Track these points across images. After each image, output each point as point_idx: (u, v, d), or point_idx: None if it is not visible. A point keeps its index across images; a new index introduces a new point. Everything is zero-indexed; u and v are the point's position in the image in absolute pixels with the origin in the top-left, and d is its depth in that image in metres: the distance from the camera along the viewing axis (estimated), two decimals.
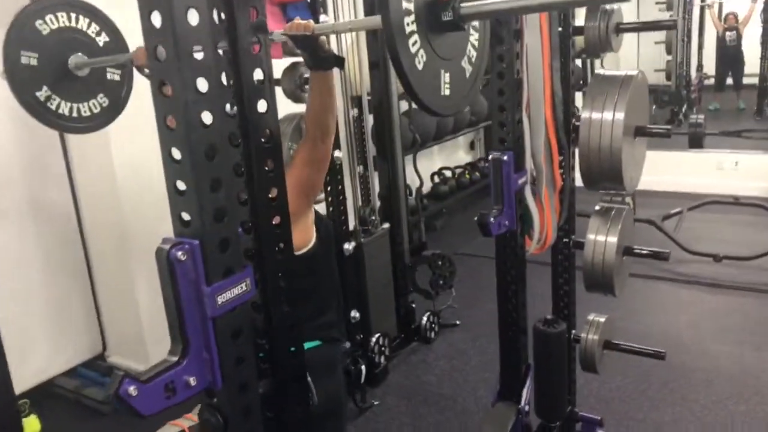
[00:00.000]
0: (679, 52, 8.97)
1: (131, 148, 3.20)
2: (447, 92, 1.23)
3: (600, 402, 3.14)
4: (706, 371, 3.38)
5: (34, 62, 2.07)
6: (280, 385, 1.22)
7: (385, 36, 1.09)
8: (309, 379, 1.36)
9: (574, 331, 2.47)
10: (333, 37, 3.50)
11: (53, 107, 2.14)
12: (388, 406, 3.31)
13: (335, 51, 3.22)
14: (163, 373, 0.95)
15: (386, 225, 3.67)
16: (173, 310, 0.96)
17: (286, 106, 1.77)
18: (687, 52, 9.19)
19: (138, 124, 2.20)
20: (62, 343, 3.64)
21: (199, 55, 0.98)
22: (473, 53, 1.34)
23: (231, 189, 1.04)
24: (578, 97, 2.50)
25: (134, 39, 2.07)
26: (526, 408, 2.21)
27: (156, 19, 0.95)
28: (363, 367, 3.24)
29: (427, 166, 6.08)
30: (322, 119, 1.78)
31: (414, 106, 4.75)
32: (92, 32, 2.23)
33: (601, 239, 2.11)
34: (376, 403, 3.30)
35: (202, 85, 0.99)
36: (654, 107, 8.71)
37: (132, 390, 0.91)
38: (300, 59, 1.77)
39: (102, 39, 2.25)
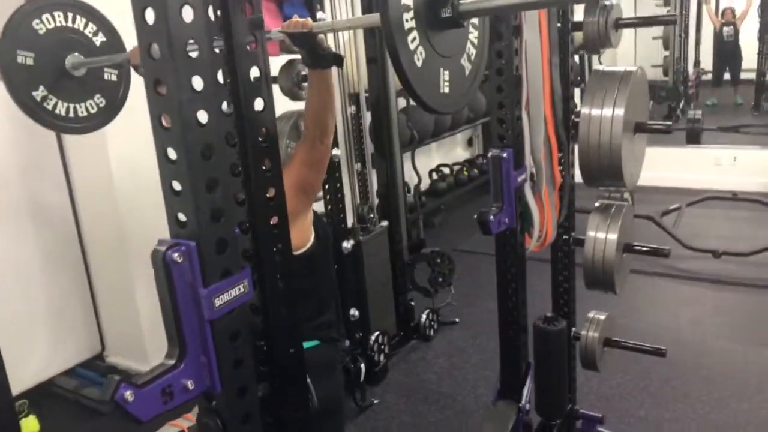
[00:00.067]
0: (676, 48, 8.96)
1: (128, 147, 3.18)
2: (446, 90, 1.22)
3: (600, 399, 3.13)
4: (707, 368, 3.37)
5: (30, 62, 2.04)
6: (280, 388, 1.20)
7: (383, 33, 1.07)
8: (309, 381, 1.34)
9: (574, 329, 2.46)
10: (330, 34, 3.48)
11: (50, 107, 2.12)
12: (388, 404, 3.29)
13: (333, 48, 3.20)
14: (159, 377, 0.93)
15: (385, 223, 3.65)
16: (170, 313, 0.95)
17: (283, 104, 1.75)
18: (684, 47, 9.18)
19: (135, 124, 2.19)
20: (61, 344, 3.62)
21: (194, 53, 0.96)
22: (473, 51, 1.32)
23: (228, 189, 1.03)
24: (576, 93, 2.48)
25: (132, 39, 2.05)
26: (527, 406, 2.20)
27: (150, 16, 0.93)
28: (362, 366, 3.23)
29: (425, 163, 6.07)
30: (322, 118, 1.77)
31: (412, 103, 4.75)
32: (89, 32, 2.21)
33: (601, 236, 2.10)
34: (375, 401, 3.29)
35: (198, 83, 0.97)
36: (651, 103, 8.69)
37: (128, 395, 0.89)
38: (298, 56, 1.75)
39: (99, 39, 2.23)
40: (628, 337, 2.43)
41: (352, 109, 3.56)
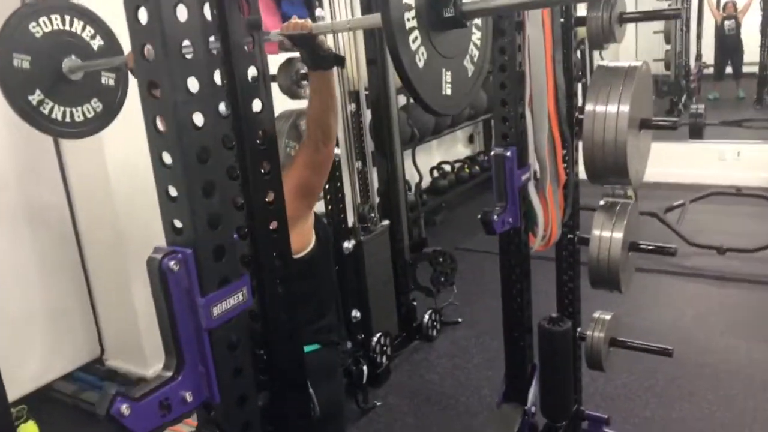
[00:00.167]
0: (678, 42, 8.92)
1: (125, 150, 3.15)
2: (448, 91, 1.19)
3: (606, 400, 3.10)
4: (713, 366, 3.33)
5: (26, 65, 2.01)
6: (281, 397, 1.17)
7: (384, 33, 1.04)
8: (311, 390, 1.31)
9: (579, 329, 2.43)
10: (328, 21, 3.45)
11: (46, 112, 2.09)
12: (391, 406, 3.26)
13: (333, 47, 3.16)
14: (156, 389, 0.90)
15: (386, 222, 3.62)
16: (166, 323, 0.92)
17: (281, 102, 1.71)
18: (686, 41, 9.14)
19: (131, 126, 2.15)
20: (59, 348, 3.59)
21: (189, 54, 0.93)
22: (475, 52, 1.29)
23: (225, 193, 0.99)
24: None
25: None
26: (533, 409, 2.17)
27: (143, 15, 0.89)
28: (365, 368, 3.20)
29: (426, 161, 6.03)
30: (324, 120, 1.73)
31: (412, 100, 4.71)
32: (86, 35, 2.18)
33: (606, 235, 2.07)
34: (378, 403, 3.26)
35: (193, 84, 0.94)
36: (653, 97, 8.66)
37: (124, 409, 0.87)
38: (297, 54, 1.71)
39: (96, 42, 2.20)
40: (633, 335, 2.40)
41: (352, 107, 3.53)
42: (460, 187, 6.27)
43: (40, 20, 2.03)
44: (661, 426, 2.91)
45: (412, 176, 4.75)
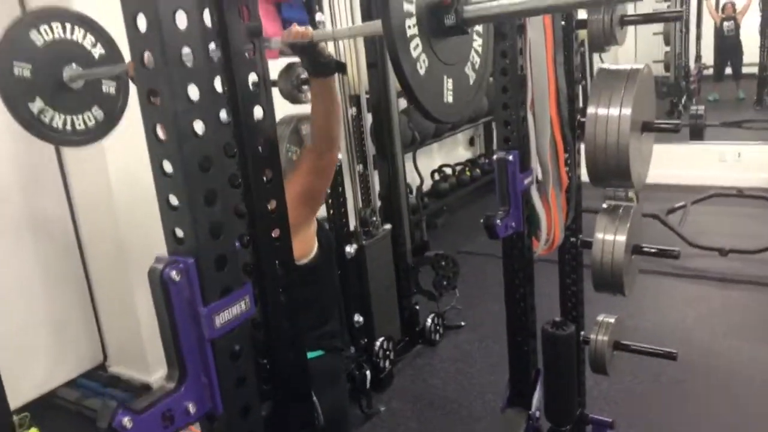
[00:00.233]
0: (677, 43, 8.92)
1: (126, 157, 3.15)
2: (450, 99, 1.17)
3: (610, 403, 3.09)
4: (717, 368, 3.32)
5: (27, 74, 2.00)
6: (284, 406, 1.16)
7: (385, 41, 1.03)
8: (315, 399, 1.30)
9: (583, 333, 2.42)
10: (328, 29, 3.44)
11: (47, 120, 2.07)
12: (395, 411, 3.25)
13: (333, 51, 3.16)
14: (159, 401, 0.89)
15: (388, 226, 3.60)
16: (168, 334, 0.90)
17: (282, 106, 1.70)
18: (685, 42, 9.13)
19: (132, 134, 2.14)
20: (62, 354, 3.59)
21: (189, 61, 0.92)
22: (476, 59, 1.28)
23: (227, 202, 0.98)
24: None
25: None
26: (537, 414, 2.15)
27: (141, 22, 0.88)
28: (368, 373, 3.18)
29: (427, 164, 6.03)
30: (327, 127, 1.72)
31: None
32: (88, 44, 2.17)
33: (609, 238, 2.06)
34: (382, 408, 3.25)
35: (193, 92, 0.93)
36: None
37: (126, 422, 0.85)
38: (297, 59, 1.70)
39: (98, 51, 2.19)
40: (636, 338, 2.39)
41: (353, 110, 3.52)
42: (462, 190, 6.26)
43: (41, 28, 2.02)
44: (666, 429, 2.90)
45: (413, 179, 4.74)
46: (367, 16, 3.50)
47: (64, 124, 2.11)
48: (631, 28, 2.17)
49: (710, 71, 10.26)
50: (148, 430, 0.88)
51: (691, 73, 9.33)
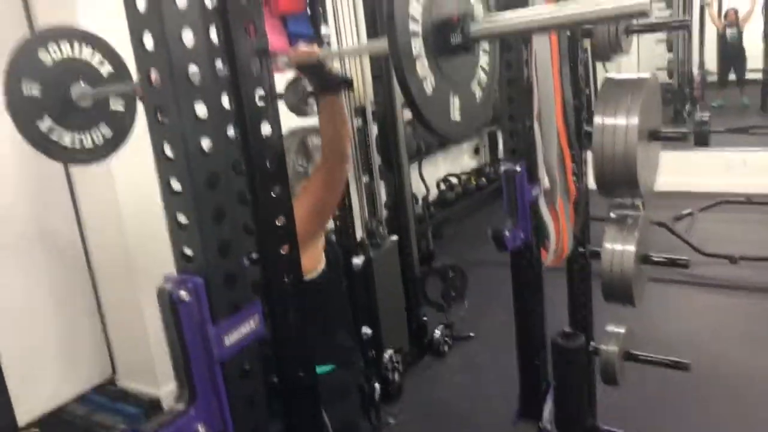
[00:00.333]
0: (680, 50, 8.90)
1: (133, 171, 3.14)
2: (457, 117, 1.17)
3: (620, 413, 3.04)
4: (727, 378, 3.29)
5: (36, 93, 2.00)
6: (294, 425, 1.15)
7: (392, 61, 1.02)
8: (325, 416, 1.29)
9: (592, 343, 2.40)
10: (335, 47, 3.44)
11: (55, 138, 2.08)
12: (404, 423, 3.23)
13: (338, 64, 3.16)
14: (169, 423, 0.88)
15: (394, 237, 3.60)
16: (178, 354, 0.90)
17: (288, 119, 1.70)
18: (688, 49, 9.12)
19: (139, 148, 2.15)
20: (71, 370, 3.58)
21: (196, 78, 0.92)
22: (483, 77, 1.27)
23: (236, 219, 0.98)
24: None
25: None
26: (548, 426, 2.14)
27: (148, 40, 0.88)
28: (377, 385, 3.17)
29: (433, 174, 6.03)
30: (337, 143, 1.72)
31: None
32: (95, 62, 2.17)
33: (618, 248, 2.04)
34: (391, 421, 3.22)
35: (201, 109, 0.93)
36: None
37: None
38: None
39: (105, 69, 2.19)
40: (645, 348, 2.37)
41: (358, 121, 3.52)
42: (467, 199, 6.26)
43: (50, 47, 2.03)
44: None
45: (418, 189, 4.73)
46: (372, 27, 3.51)
47: (73, 142, 2.11)
48: (634, 36, 2.16)
49: (714, 77, 10.24)
50: None
51: (695, 79, 9.31)
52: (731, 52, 9.95)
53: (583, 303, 2.42)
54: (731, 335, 3.74)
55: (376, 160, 3.67)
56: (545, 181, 1.99)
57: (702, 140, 6.19)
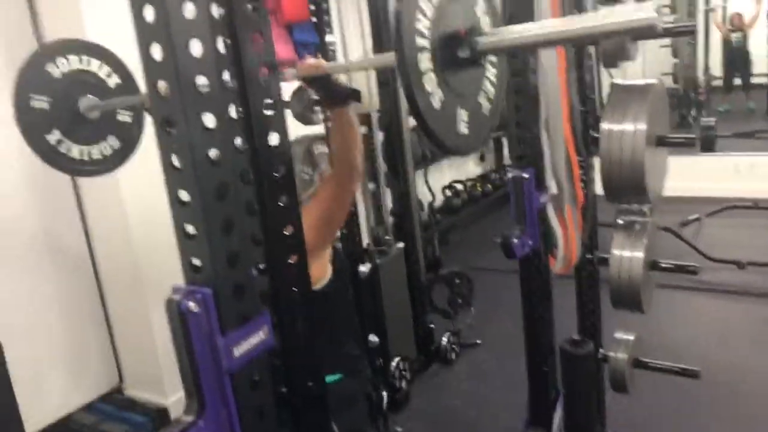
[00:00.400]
0: (685, 55, 8.89)
1: (140, 182, 3.15)
2: (465, 130, 1.16)
3: (630, 421, 3.04)
4: (738, 384, 3.26)
5: (44, 106, 2.01)
6: None
7: (400, 76, 1.02)
8: (333, 425, 1.28)
9: (601, 350, 2.39)
10: (340, 54, 3.45)
11: (64, 151, 2.08)
12: None
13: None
14: None
15: (401, 244, 3.59)
16: (187, 366, 0.89)
17: (293, 127, 1.70)
18: (693, 54, 9.10)
19: (146, 158, 2.15)
20: (79, 379, 3.58)
21: (204, 89, 0.91)
22: (490, 89, 1.27)
23: (244, 230, 0.97)
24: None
25: None
26: None
27: (156, 51, 0.88)
28: (384, 393, 3.15)
29: (438, 180, 6.02)
30: (348, 157, 1.71)
31: None
32: (103, 74, 2.18)
33: (627, 255, 2.03)
34: (399, 429, 3.20)
35: (209, 119, 0.92)
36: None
37: None
38: None
39: (113, 81, 2.20)
40: (655, 355, 2.35)
41: (364, 129, 3.52)
42: (473, 205, 6.25)
43: (57, 61, 2.04)
44: None
45: (424, 196, 4.73)
46: (377, 35, 3.51)
47: (81, 154, 2.12)
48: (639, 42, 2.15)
49: (719, 82, 10.22)
50: None
51: (700, 84, 9.29)
52: (736, 57, 9.93)
53: (592, 310, 2.40)
54: (740, 341, 3.72)
55: (382, 167, 3.67)
56: (553, 188, 1.98)
57: (708, 145, 6.16)
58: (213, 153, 0.93)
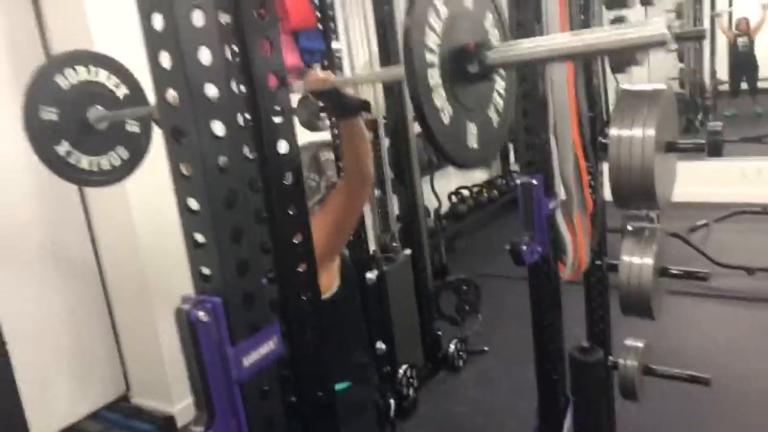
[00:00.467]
0: (692, 60, 8.87)
1: (147, 190, 3.16)
2: (475, 145, 1.15)
3: (640, 429, 3.01)
4: (748, 392, 3.24)
5: (53, 117, 2.01)
6: None
7: (409, 90, 1.01)
8: None
9: (611, 357, 2.37)
10: (346, 61, 3.45)
11: (73, 161, 2.08)
12: None
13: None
14: None
15: (408, 251, 3.58)
16: (197, 376, 0.88)
17: (300, 133, 1.70)
18: (699, 59, 9.08)
19: (153, 167, 2.15)
20: (86, 387, 3.58)
21: (213, 97, 0.91)
22: (499, 101, 1.26)
23: (253, 238, 0.97)
24: None
25: None
26: None
27: (164, 60, 0.88)
28: (392, 401, 3.14)
29: (444, 186, 6.01)
30: (359, 167, 1.71)
31: None
32: (111, 84, 2.18)
33: (636, 261, 2.02)
34: None
35: (218, 127, 0.92)
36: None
37: None
38: None
39: (121, 91, 2.20)
40: (665, 361, 2.34)
41: (370, 135, 3.51)
42: (479, 211, 6.23)
43: (66, 72, 2.04)
44: None
45: (430, 202, 4.72)
46: (383, 43, 3.50)
47: (90, 164, 2.12)
48: None
49: (725, 87, 10.19)
50: None
51: (706, 89, 9.26)
52: (743, 61, 9.91)
53: (601, 316, 2.39)
54: (750, 348, 3.69)
55: (388, 173, 3.66)
56: (561, 194, 1.97)
57: (715, 150, 6.12)
58: (222, 161, 0.92)
